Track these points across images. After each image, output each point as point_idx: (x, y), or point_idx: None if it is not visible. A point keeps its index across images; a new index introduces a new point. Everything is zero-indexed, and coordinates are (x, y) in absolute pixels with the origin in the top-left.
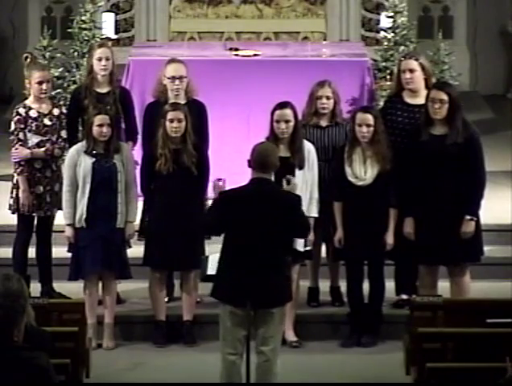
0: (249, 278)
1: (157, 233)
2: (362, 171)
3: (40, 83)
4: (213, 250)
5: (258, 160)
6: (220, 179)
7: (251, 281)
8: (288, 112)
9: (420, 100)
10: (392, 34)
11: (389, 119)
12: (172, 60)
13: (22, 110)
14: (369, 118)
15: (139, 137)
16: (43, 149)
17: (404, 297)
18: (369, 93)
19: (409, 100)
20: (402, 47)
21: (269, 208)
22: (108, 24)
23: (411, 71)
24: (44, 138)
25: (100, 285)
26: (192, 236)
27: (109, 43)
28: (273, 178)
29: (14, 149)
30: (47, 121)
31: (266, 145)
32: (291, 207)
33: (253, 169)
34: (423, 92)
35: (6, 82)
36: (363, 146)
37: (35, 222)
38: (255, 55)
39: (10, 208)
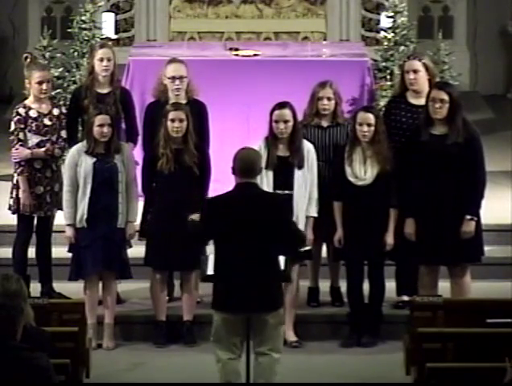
0: (241, 284)
1: (158, 233)
2: (362, 171)
3: (40, 83)
4: (214, 250)
5: (244, 167)
6: None
7: (243, 286)
8: (287, 112)
9: (424, 100)
10: (392, 34)
11: (392, 119)
12: (173, 60)
13: (22, 110)
14: (371, 117)
15: (140, 137)
16: (43, 149)
17: (405, 298)
18: (369, 93)
19: (413, 100)
20: (402, 47)
21: (257, 211)
22: (108, 24)
23: (415, 71)
24: (44, 138)
25: (100, 285)
26: None
27: (111, 44)
28: (271, 178)
29: (14, 149)
30: (47, 121)
31: (249, 152)
32: (279, 208)
33: (237, 175)
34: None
35: (6, 82)
36: (363, 146)
37: (35, 222)
38: (255, 55)
39: (10, 208)
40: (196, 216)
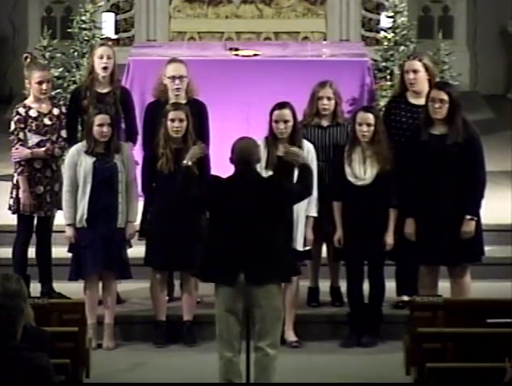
0: (241, 255)
1: (158, 233)
2: (362, 171)
3: (40, 83)
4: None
5: (242, 158)
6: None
7: (242, 257)
8: (287, 112)
9: (424, 100)
10: (392, 34)
11: (392, 119)
12: (173, 60)
13: (21, 110)
14: (370, 117)
15: (139, 137)
16: (43, 148)
17: (405, 298)
18: (369, 93)
19: (413, 100)
20: (402, 47)
21: (256, 190)
22: (108, 24)
23: (415, 71)
24: (44, 138)
25: (100, 285)
26: (193, 236)
27: (111, 44)
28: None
29: (14, 149)
30: (47, 121)
31: (247, 142)
32: (276, 185)
33: (235, 165)
34: None
35: (6, 82)
36: (363, 146)
37: (35, 222)
38: (255, 55)
39: (10, 208)
40: (190, 155)
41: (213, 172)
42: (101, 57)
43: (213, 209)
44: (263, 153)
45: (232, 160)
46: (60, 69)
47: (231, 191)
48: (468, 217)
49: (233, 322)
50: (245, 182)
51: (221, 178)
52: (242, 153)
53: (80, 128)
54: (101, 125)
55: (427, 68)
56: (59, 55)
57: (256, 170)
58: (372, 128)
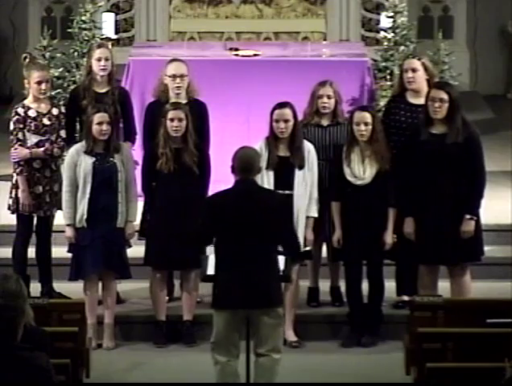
0: (240, 280)
1: (157, 233)
2: (361, 170)
3: (39, 83)
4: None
5: (243, 167)
6: None
7: (242, 282)
8: (287, 111)
9: (423, 99)
10: (392, 34)
11: (392, 119)
12: (174, 60)
13: (20, 110)
14: (367, 116)
15: (138, 137)
16: (42, 148)
17: (405, 298)
18: (369, 93)
19: (412, 99)
20: (402, 47)
21: (255, 207)
22: (108, 24)
23: (414, 70)
24: (43, 138)
25: (100, 285)
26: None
27: (109, 44)
28: (272, 178)
29: (13, 149)
30: (46, 121)
31: (248, 151)
32: (277, 205)
33: (236, 174)
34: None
35: (6, 82)
36: (361, 146)
37: (35, 222)
38: (255, 55)
39: (9, 208)
40: None
41: (213, 172)
42: (99, 59)
43: (217, 228)
44: (264, 153)
45: (233, 169)
46: (60, 69)
47: (230, 205)
48: (468, 217)
49: (232, 331)
50: (245, 192)
51: (218, 194)
52: (243, 162)
53: (78, 128)
54: (100, 124)
55: (426, 68)
56: (59, 55)
57: (256, 182)
58: (370, 127)
